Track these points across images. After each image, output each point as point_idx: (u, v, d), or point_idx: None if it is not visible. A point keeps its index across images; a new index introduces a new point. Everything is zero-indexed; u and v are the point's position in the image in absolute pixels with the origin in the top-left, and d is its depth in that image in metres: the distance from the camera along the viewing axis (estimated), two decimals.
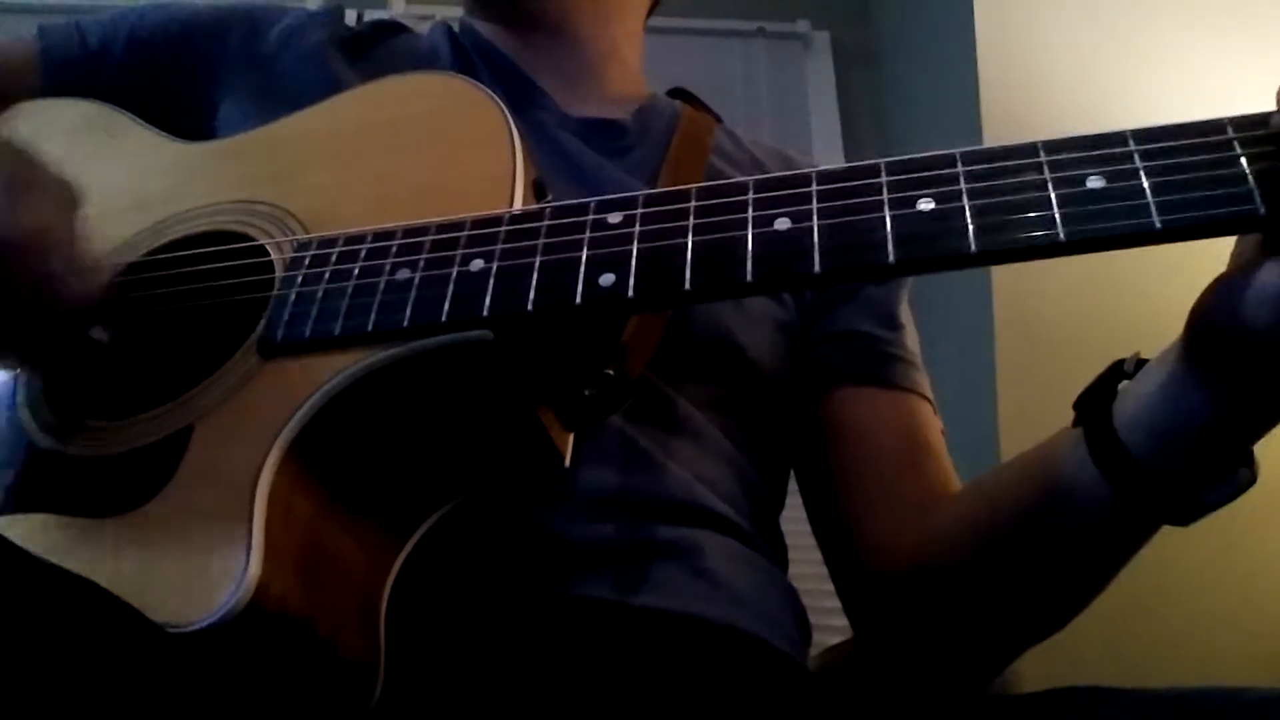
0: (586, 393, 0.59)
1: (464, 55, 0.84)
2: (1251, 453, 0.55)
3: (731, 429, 0.74)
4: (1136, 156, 0.45)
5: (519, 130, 0.61)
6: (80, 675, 0.43)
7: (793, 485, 0.83)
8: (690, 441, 0.71)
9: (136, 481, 0.54)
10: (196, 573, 0.49)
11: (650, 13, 0.95)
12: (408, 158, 0.63)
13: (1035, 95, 1.79)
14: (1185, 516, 0.57)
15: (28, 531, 0.54)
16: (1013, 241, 0.46)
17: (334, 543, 0.54)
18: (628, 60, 0.90)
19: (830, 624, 0.87)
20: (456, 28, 0.88)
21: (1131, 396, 0.57)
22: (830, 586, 0.80)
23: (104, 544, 0.53)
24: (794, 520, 0.82)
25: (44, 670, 0.42)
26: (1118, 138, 0.46)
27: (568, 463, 0.59)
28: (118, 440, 0.57)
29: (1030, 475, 0.65)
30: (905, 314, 0.84)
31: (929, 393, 0.81)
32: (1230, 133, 0.45)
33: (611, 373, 0.60)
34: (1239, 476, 0.55)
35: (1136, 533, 0.60)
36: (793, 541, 0.80)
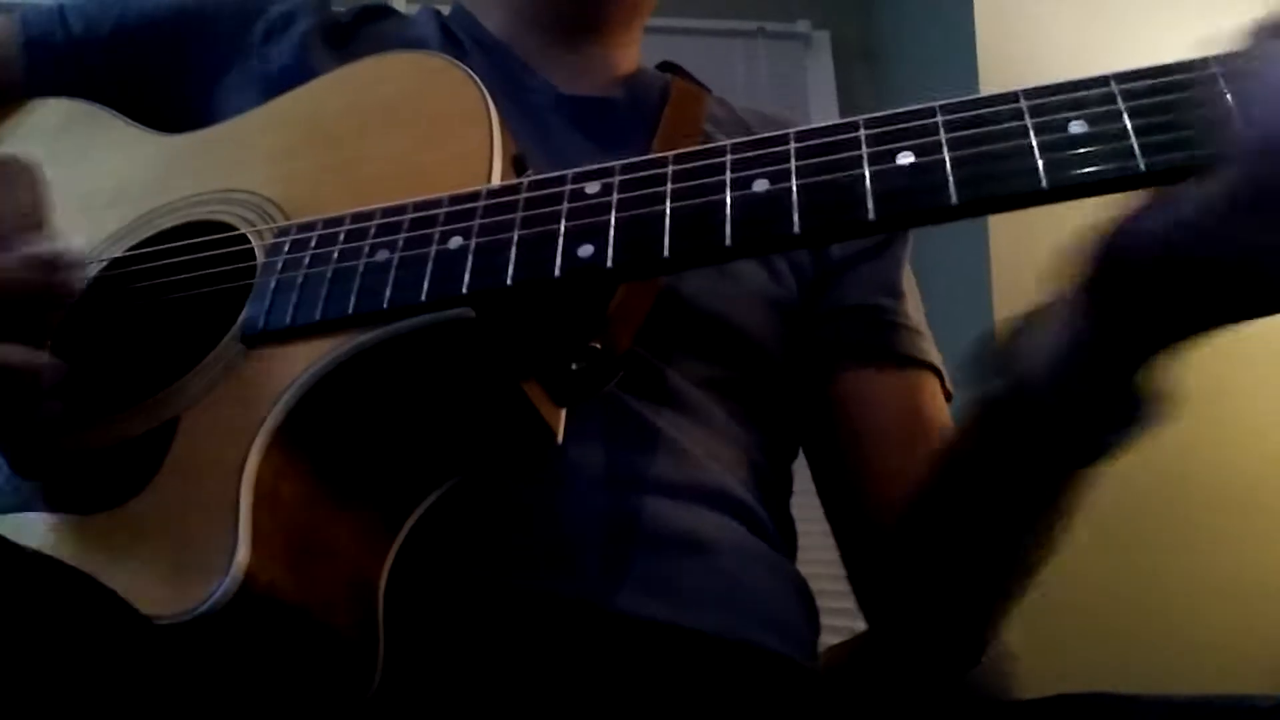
0: (574, 367, 0.58)
1: (453, 40, 0.83)
2: (1156, 392, 0.54)
3: (731, 407, 0.73)
4: (1119, 98, 0.44)
5: (496, 105, 0.60)
6: (74, 668, 0.43)
7: (803, 483, 0.82)
8: (689, 418, 0.70)
9: (125, 475, 0.54)
10: (185, 564, 0.49)
11: None
12: (385, 139, 0.62)
13: None
14: (1085, 455, 0.57)
15: (17, 529, 0.54)
16: (994, 191, 0.45)
17: (325, 529, 0.54)
18: (631, 46, 0.89)
19: (833, 625, 0.86)
20: (447, 13, 0.87)
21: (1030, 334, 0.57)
22: (837, 586, 0.79)
23: (94, 539, 0.53)
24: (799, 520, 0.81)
25: (38, 664, 0.42)
26: (1100, 80, 0.45)
27: (560, 439, 0.58)
28: (105, 434, 0.57)
29: (960, 429, 0.66)
30: (908, 281, 0.83)
31: (934, 358, 0.80)
32: (1215, 69, 0.43)
33: (598, 346, 0.59)
34: (1141, 414, 0.54)
35: (1048, 477, 0.60)
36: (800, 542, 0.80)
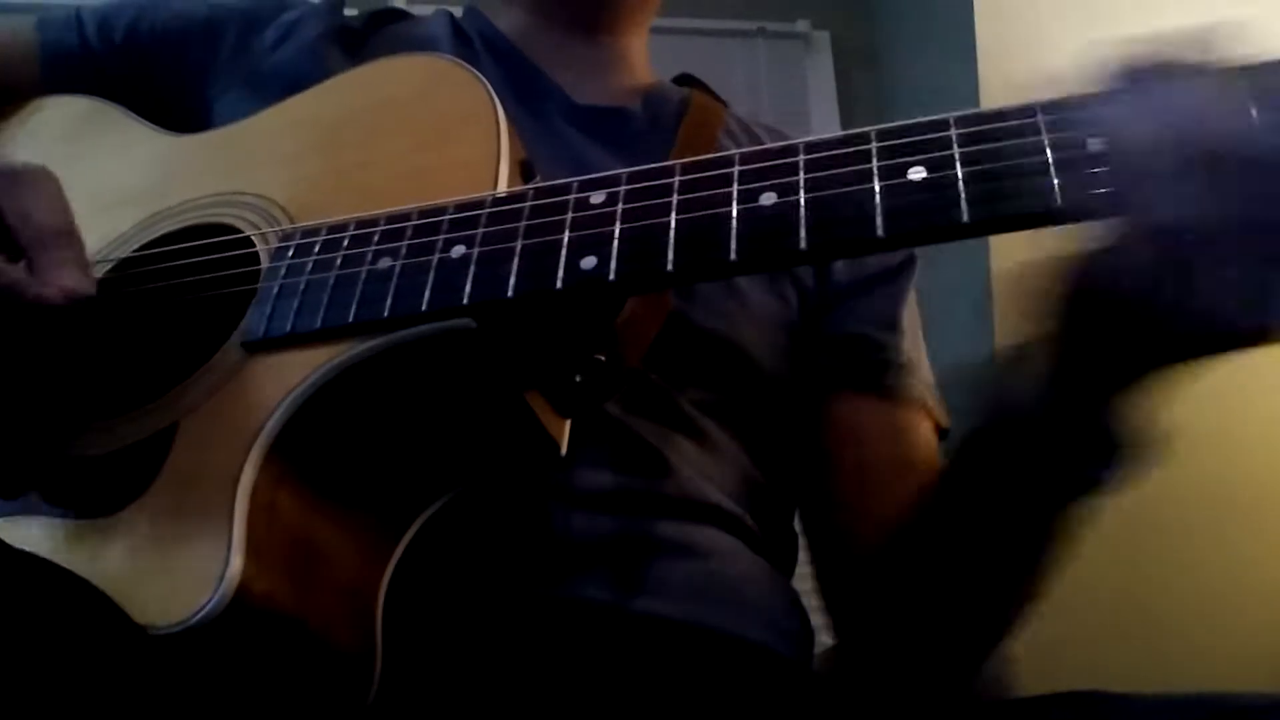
0: (577, 379, 0.57)
1: (466, 43, 0.82)
2: (1134, 429, 0.53)
3: (735, 429, 0.72)
4: None
5: (508, 111, 0.60)
6: (67, 674, 0.43)
7: None
8: (693, 440, 0.69)
9: (122, 481, 0.53)
10: (179, 573, 0.49)
11: None
12: (392, 142, 0.61)
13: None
14: (1071, 490, 0.57)
15: (13, 532, 0.53)
16: (1008, 210, 0.44)
17: (324, 539, 0.53)
18: (641, 52, 0.88)
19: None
20: (459, 14, 0.86)
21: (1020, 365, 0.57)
22: None
23: (90, 547, 0.52)
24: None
25: (30, 668, 0.42)
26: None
27: (564, 450, 0.57)
28: (105, 440, 0.56)
29: (951, 460, 0.66)
30: (909, 314, 0.81)
31: (925, 394, 0.78)
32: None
33: (603, 358, 0.59)
34: (1120, 451, 0.54)
35: (1037, 510, 0.59)
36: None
